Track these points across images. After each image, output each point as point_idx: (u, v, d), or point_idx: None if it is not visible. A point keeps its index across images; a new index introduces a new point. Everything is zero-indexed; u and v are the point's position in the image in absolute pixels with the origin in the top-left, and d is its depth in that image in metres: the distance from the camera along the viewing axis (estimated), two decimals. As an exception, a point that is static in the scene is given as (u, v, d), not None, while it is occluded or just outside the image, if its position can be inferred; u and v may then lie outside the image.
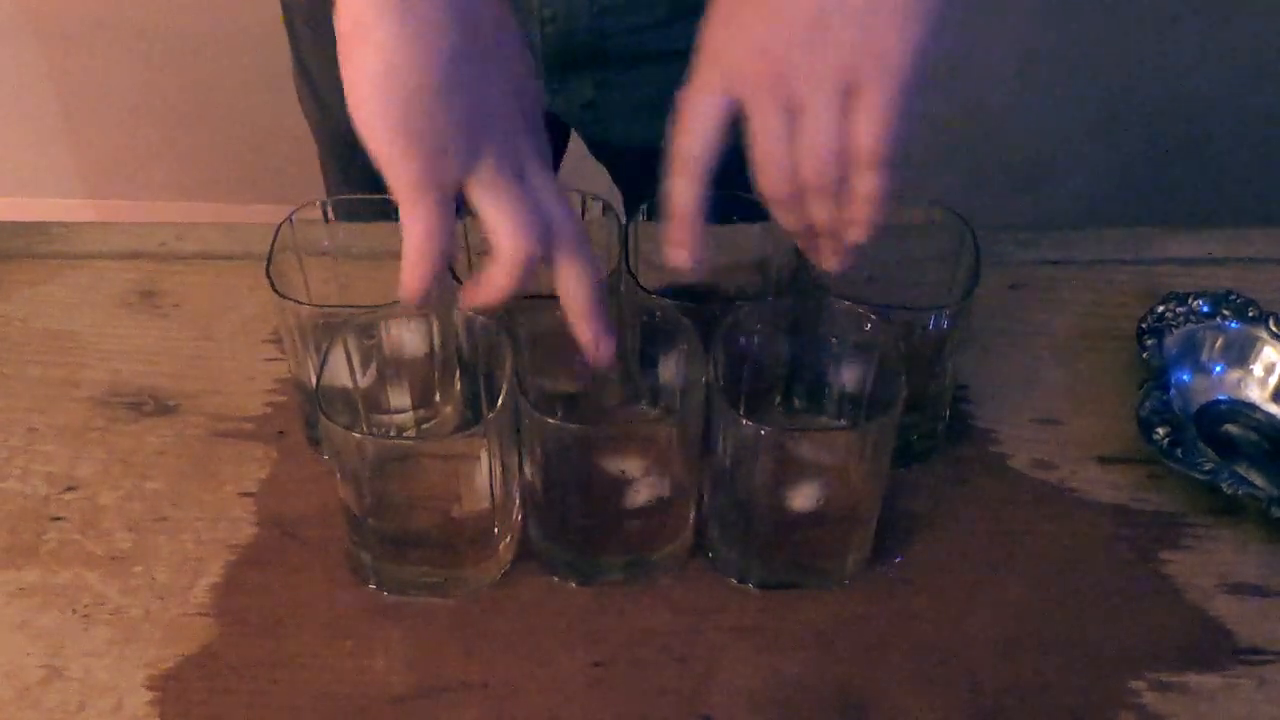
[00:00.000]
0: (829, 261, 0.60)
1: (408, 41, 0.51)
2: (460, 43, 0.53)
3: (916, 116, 0.56)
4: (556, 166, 0.97)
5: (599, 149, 0.89)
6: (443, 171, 0.54)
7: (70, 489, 0.66)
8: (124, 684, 0.58)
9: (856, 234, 0.58)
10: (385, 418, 0.66)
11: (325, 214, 0.66)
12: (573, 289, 0.58)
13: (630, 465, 0.61)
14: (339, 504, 0.61)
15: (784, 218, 0.58)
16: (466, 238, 0.66)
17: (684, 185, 0.59)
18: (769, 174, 0.58)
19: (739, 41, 0.57)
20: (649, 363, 0.64)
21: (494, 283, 0.56)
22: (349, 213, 0.69)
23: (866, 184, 0.56)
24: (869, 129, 0.55)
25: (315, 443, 0.68)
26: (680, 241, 0.60)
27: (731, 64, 0.57)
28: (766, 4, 0.56)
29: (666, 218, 0.60)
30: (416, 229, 0.54)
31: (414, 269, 0.55)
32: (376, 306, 0.61)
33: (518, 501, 0.63)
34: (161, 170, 1.97)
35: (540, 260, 0.56)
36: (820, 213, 0.58)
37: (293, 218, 0.65)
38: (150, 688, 0.58)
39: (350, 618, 0.61)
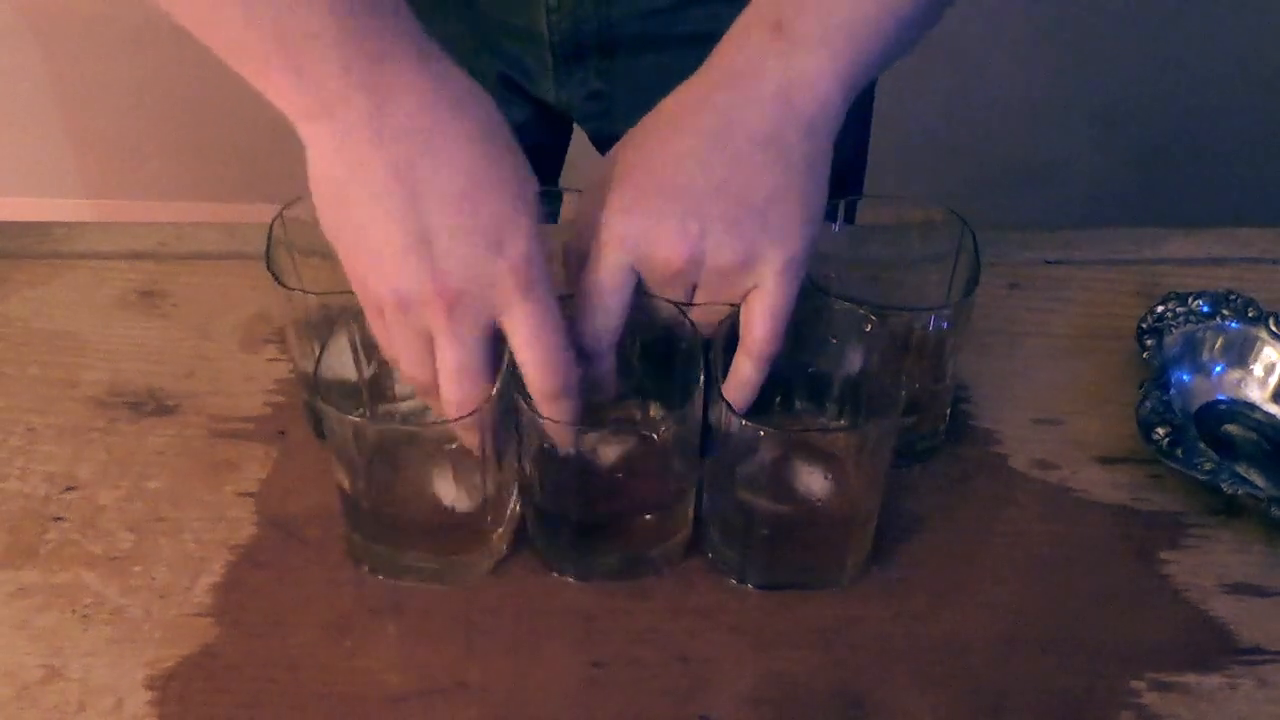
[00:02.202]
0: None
1: (335, 149, 0.53)
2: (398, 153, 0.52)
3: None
4: (558, 165, 0.97)
5: (603, 143, 0.89)
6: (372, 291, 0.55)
7: (70, 489, 0.66)
8: (124, 684, 0.58)
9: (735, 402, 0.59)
10: (391, 406, 0.66)
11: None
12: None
13: (627, 464, 0.61)
14: (337, 490, 0.61)
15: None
16: None
17: (564, 405, 0.58)
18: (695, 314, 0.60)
19: (652, 230, 0.58)
20: (649, 363, 0.64)
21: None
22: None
23: (745, 371, 0.59)
24: (761, 324, 0.58)
25: (322, 437, 0.68)
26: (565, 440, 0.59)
27: (641, 249, 0.58)
28: (682, 202, 0.57)
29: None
30: (385, 347, 0.57)
31: (405, 376, 0.57)
32: None
33: (514, 491, 0.63)
34: (161, 170, 1.97)
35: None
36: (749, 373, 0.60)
37: (283, 214, 0.65)
38: (150, 688, 0.58)
39: (350, 618, 0.61)
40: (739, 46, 0.59)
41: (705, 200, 0.57)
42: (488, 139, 0.54)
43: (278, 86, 0.52)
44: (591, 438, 0.59)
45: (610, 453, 0.61)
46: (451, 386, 0.56)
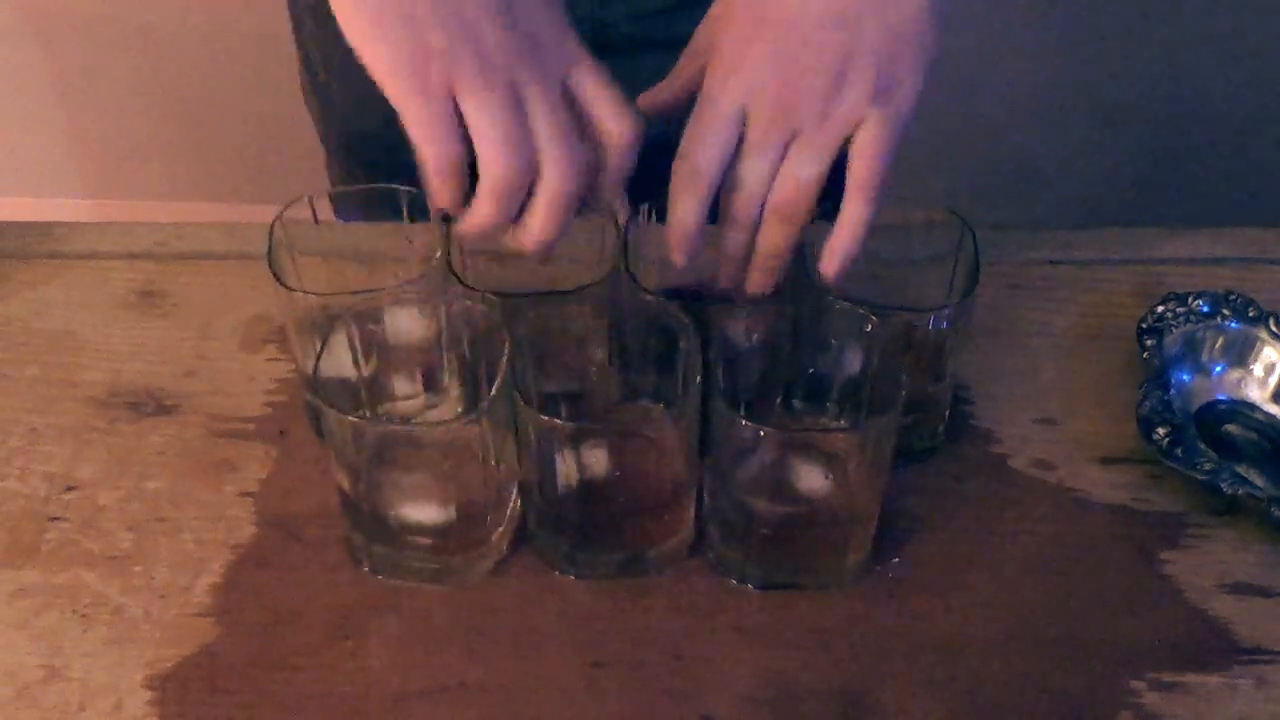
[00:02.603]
0: (755, 283, 0.63)
1: None
2: None
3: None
4: None
5: None
6: (424, 68, 0.53)
7: (70, 489, 0.66)
8: (123, 684, 0.58)
9: (831, 261, 0.61)
10: (391, 405, 0.66)
11: (314, 211, 0.66)
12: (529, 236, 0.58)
13: (627, 463, 0.61)
14: (336, 490, 0.61)
15: (734, 239, 0.60)
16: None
17: (689, 202, 0.60)
18: (742, 200, 0.60)
19: (761, 62, 0.58)
20: (648, 362, 0.64)
21: (477, 209, 0.56)
22: (351, 204, 0.70)
23: (853, 211, 0.60)
24: (867, 163, 0.59)
25: (324, 437, 0.68)
26: (680, 249, 0.61)
27: (751, 83, 0.58)
28: (793, 32, 0.58)
29: (669, 226, 0.60)
30: (421, 146, 0.54)
31: (433, 184, 0.55)
32: (378, 290, 0.61)
33: (514, 492, 0.63)
34: (161, 170, 1.97)
35: (518, 192, 0.55)
36: (776, 237, 0.61)
37: (283, 215, 0.65)
38: (150, 688, 0.58)
39: (350, 618, 0.61)
40: None
41: (818, 32, 0.57)
42: None
43: None
44: (590, 440, 0.59)
45: (610, 453, 0.61)
46: (558, 147, 0.55)
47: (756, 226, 0.61)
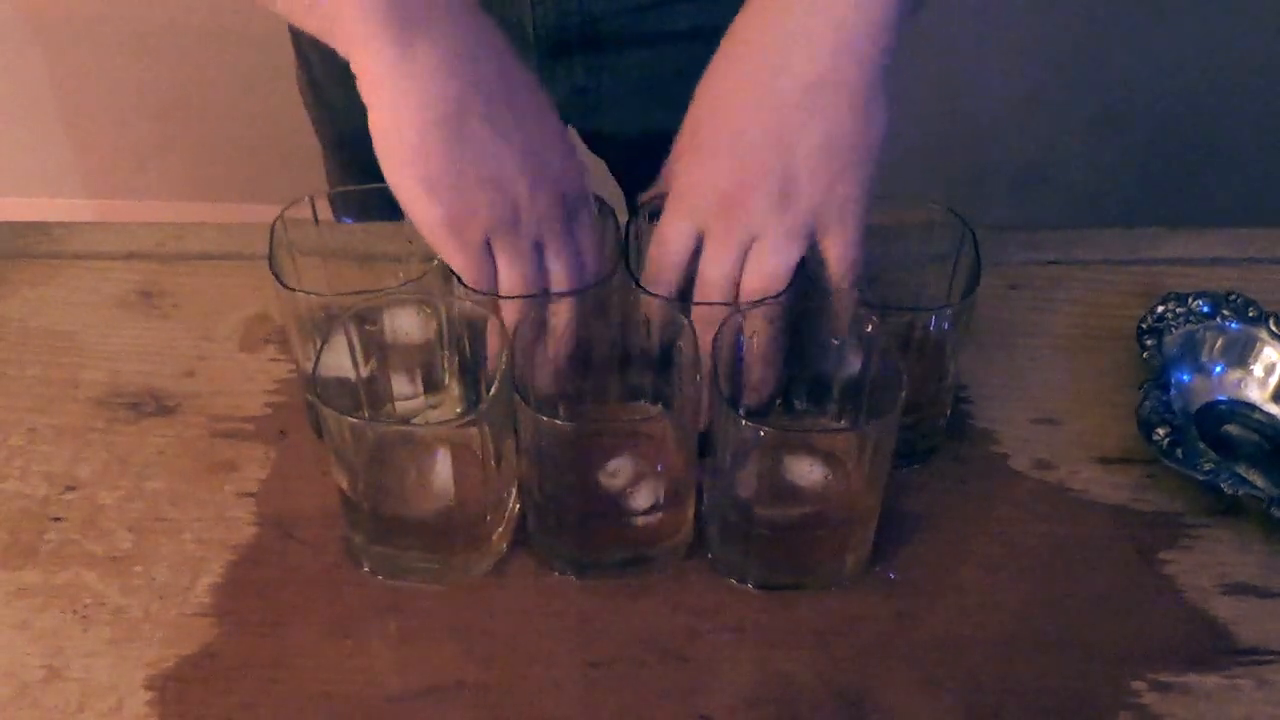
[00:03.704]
0: (755, 381, 0.64)
1: (410, 93, 0.56)
2: (469, 100, 0.57)
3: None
4: None
5: (592, 140, 0.89)
6: (467, 226, 0.58)
7: (70, 489, 0.66)
8: (124, 684, 0.58)
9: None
10: (391, 405, 0.66)
11: (314, 212, 0.67)
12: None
13: (627, 463, 0.61)
14: (335, 490, 0.61)
15: (704, 334, 0.61)
16: None
17: (659, 291, 0.63)
18: (707, 294, 0.62)
19: (706, 186, 0.61)
20: (648, 362, 0.64)
21: (493, 337, 0.61)
22: (350, 205, 0.70)
23: (843, 299, 0.62)
24: (836, 265, 0.61)
25: (323, 436, 0.68)
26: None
27: (699, 204, 0.61)
28: (733, 154, 0.60)
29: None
30: (461, 274, 0.60)
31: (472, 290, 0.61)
32: (378, 290, 0.61)
33: (513, 491, 0.63)
34: (161, 170, 1.97)
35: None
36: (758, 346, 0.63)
37: (283, 215, 0.65)
38: (150, 688, 0.58)
39: (350, 618, 0.61)
40: None
41: (758, 151, 0.59)
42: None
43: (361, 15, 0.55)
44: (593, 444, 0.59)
45: (610, 453, 0.61)
46: (567, 284, 0.62)
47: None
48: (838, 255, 0.61)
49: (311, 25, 0.58)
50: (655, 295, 0.62)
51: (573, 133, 0.83)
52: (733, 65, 0.61)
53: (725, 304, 0.62)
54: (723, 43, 0.62)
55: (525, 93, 0.60)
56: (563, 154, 0.61)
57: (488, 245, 0.60)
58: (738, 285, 0.62)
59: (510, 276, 0.61)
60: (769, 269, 0.61)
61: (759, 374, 0.63)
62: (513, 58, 0.60)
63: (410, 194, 0.58)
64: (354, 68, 0.57)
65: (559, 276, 0.62)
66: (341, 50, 0.57)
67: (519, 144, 0.58)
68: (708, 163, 0.61)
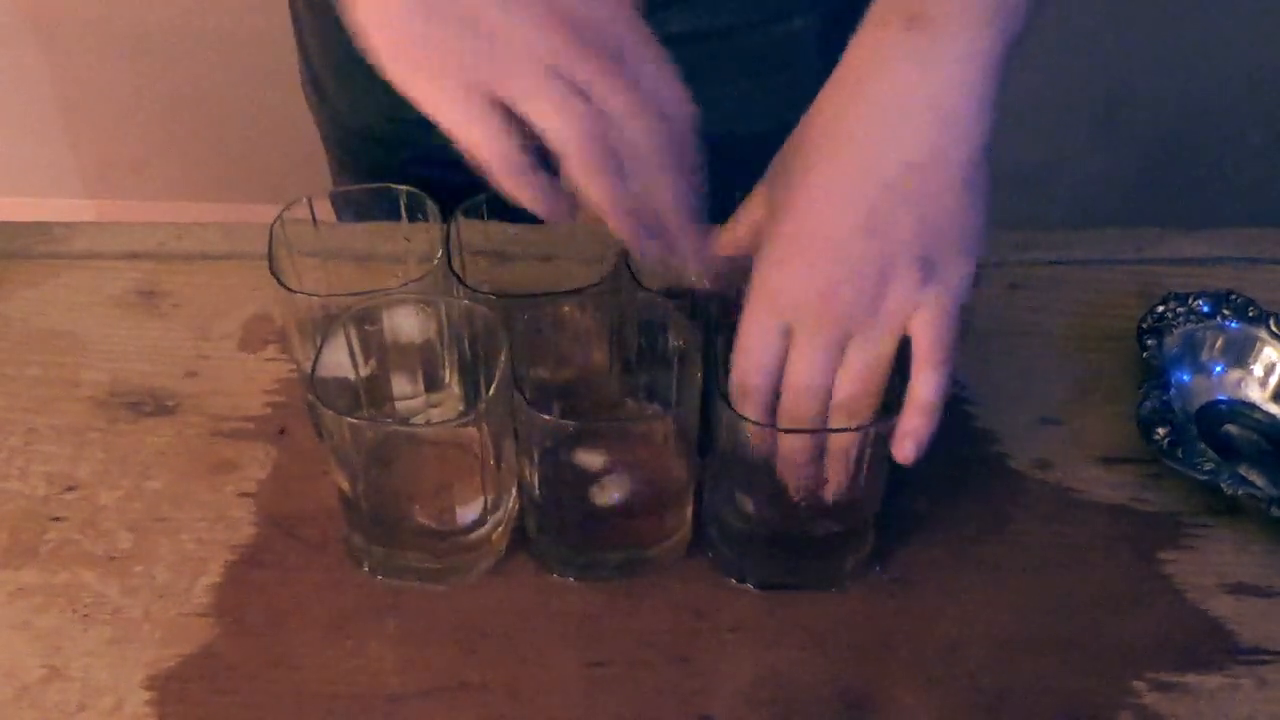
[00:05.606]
0: (834, 486, 0.60)
1: None
2: None
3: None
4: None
5: None
6: (458, 79, 0.51)
7: (70, 489, 0.66)
8: (123, 684, 0.58)
9: (903, 446, 0.57)
10: (391, 405, 0.66)
11: (312, 212, 0.66)
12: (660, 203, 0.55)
13: (626, 463, 0.61)
14: (335, 490, 0.61)
15: (793, 442, 0.57)
16: (459, 238, 0.66)
17: (752, 417, 0.58)
18: (796, 402, 0.58)
19: (799, 280, 0.57)
20: (648, 362, 0.64)
21: (583, 185, 0.53)
22: (350, 205, 0.70)
23: (920, 393, 0.57)
24: (926, 338, 0.56)
25: (323, 436, 0.68)
26: (784, 465, 0.59)
27: (793, 300, 0.57)
28: (827, 247, 0.56)
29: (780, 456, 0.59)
30: (476, 150, 0.52)
31: (507, 185, 0.52)
32: (378, 290, 0.61)
33: (513, 492, 0.63)
34: (161, 170, 1.97)
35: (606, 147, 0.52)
36: (844, 437, 0.58)
37: (283, 215, 0.65)
38: (150, 688, 0.58)
39: (350, 617, 0.61)
40: (873, 50, 0.56)
41: (852, 244, 0.55)
42: None
43: None
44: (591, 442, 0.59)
45: (610, 453, 0.61)
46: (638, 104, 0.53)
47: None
48: (929, 343, 0.56)
49: None
50: (747, 419, 0.58)
51: None
52: (820, 155, 0.56)
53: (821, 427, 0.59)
54: (805, 128, 0.57)
55: None
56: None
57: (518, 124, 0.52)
58: (829, 393, 0.58)
59: (552, 120, 0.51)
60: (861, 367, 0.57)
61: (838, 481, 0.59)
62: None
63: (404, 78, 0.52)
64: None
65: (624, 106, 0.52)
66: None
67: None
68: (797, 258, 0.57)
